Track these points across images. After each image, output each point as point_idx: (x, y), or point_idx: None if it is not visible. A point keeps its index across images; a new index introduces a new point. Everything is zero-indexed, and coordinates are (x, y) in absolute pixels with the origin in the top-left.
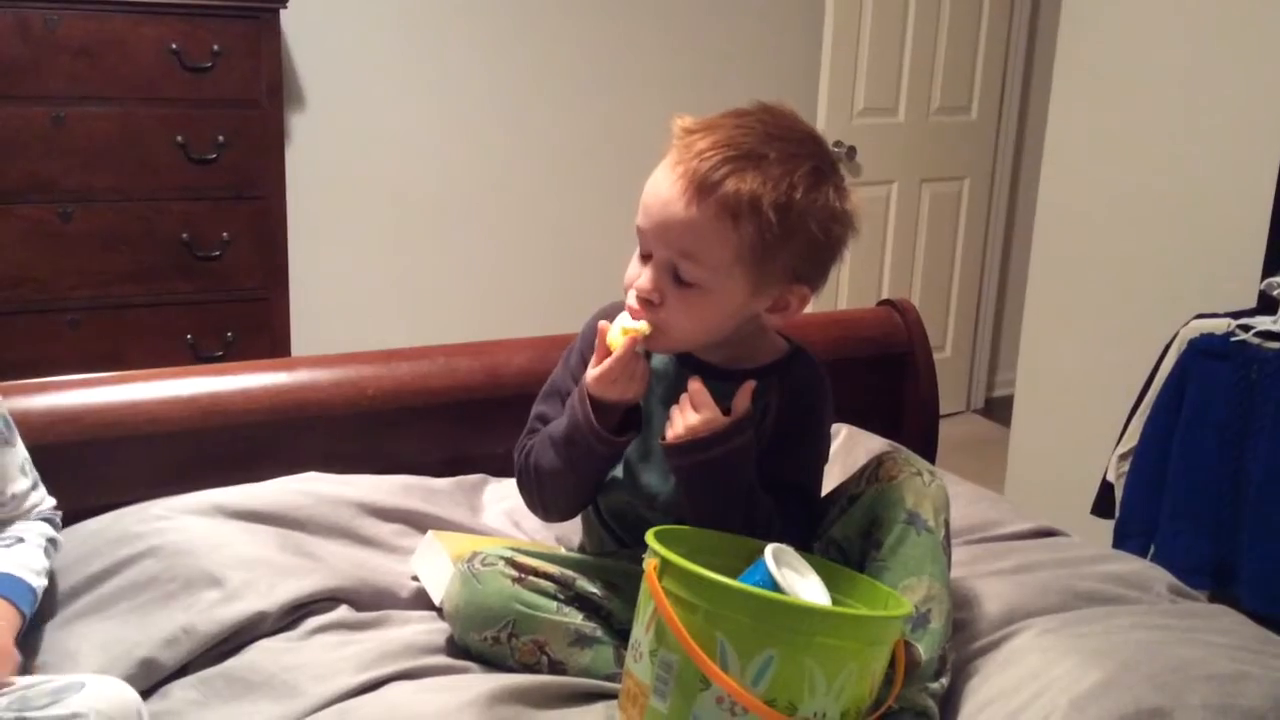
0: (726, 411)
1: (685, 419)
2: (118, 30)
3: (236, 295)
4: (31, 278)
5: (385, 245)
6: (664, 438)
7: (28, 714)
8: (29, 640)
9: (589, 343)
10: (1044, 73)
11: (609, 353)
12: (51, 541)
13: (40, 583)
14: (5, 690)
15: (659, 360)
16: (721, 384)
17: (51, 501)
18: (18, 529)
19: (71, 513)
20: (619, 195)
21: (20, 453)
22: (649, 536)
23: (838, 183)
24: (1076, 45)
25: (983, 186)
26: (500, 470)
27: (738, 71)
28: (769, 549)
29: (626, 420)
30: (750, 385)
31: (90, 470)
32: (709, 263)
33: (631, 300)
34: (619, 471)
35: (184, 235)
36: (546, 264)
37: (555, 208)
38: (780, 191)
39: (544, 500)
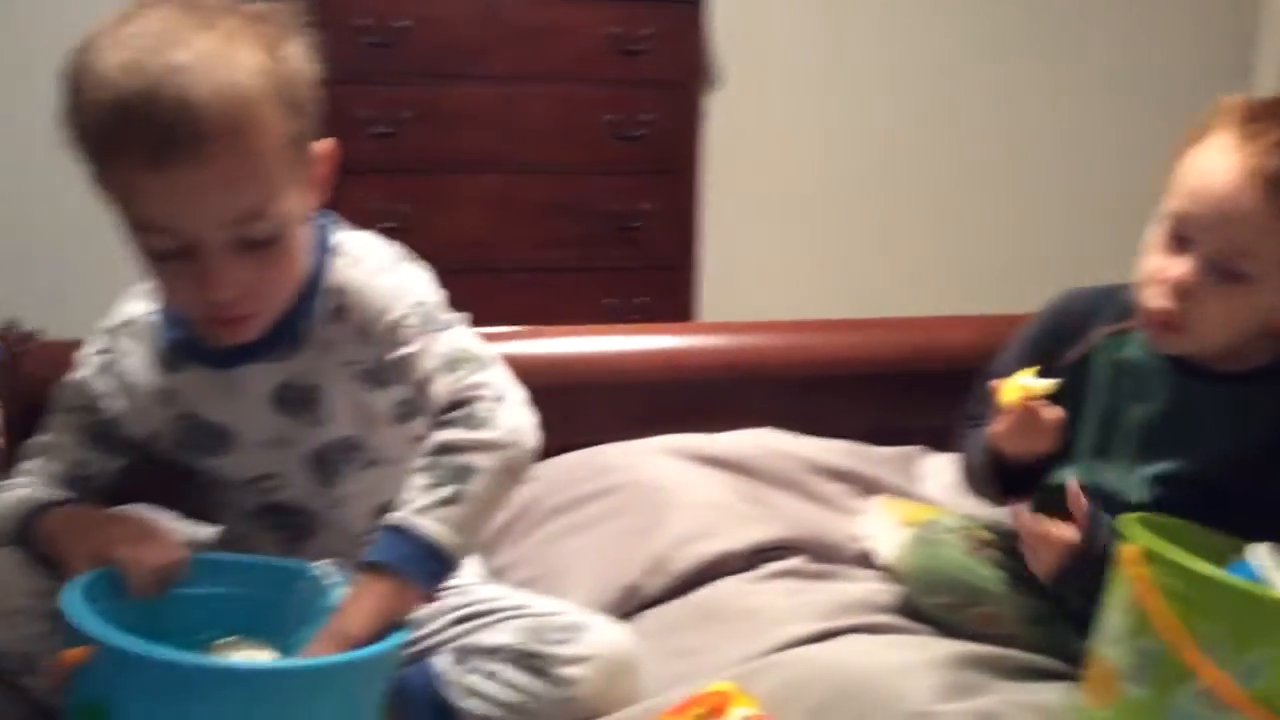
0: (1239, 406)
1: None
2: (559, 15)
3: (651, 263)
4: (479, 240)
5: (797, 222)
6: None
7: (542, 647)
8: (514, 551)
9: (1045, 329)
10: None
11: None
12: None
13: (433, 522)
14: (523, 612)
15: (1137, 352)
16: (1212, 388)
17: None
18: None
19: (553, 449)
20: (1054, 183)
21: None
22: (1129, 523)
23: None
24: None
25: None
26: (927, 442)
27: (1155, 34)
28: (1261, 547)
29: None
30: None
31: (572, 412)
32: (1269, 260)
33: (1154, 299)
34: (1077, 467)
35: (609, 207)
36: (960, 241)
37: (972, 190)
38: None
39: (979, 498)
